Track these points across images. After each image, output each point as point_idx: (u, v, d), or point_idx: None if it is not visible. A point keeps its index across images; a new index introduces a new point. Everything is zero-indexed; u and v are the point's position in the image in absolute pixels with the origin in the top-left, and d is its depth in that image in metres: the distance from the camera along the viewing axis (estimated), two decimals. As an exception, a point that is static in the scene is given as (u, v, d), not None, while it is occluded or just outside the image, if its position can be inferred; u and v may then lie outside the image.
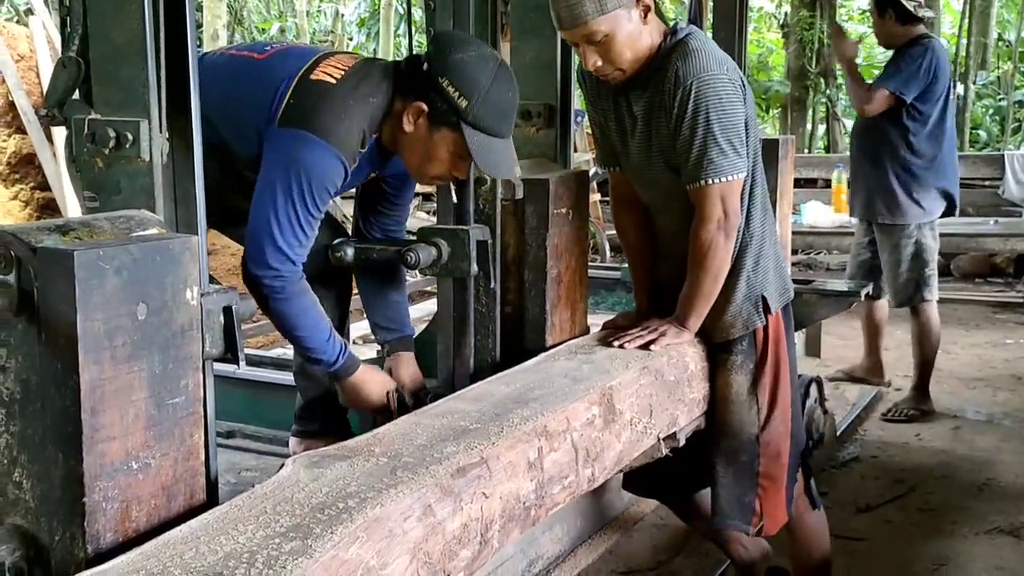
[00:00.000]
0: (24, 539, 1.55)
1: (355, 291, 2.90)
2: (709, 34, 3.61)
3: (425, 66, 2.42)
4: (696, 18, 4.25)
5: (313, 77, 2.40)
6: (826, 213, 7.47)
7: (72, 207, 6.36)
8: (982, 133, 14.51)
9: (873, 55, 17.41)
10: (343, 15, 19.75)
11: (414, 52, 2.91)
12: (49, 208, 6.77)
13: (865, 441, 4.60)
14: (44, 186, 6.76)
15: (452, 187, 2.65)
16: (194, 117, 1.75)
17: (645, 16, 2.38)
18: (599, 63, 2.40)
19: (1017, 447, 4.50)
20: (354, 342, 4.39)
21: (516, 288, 2.88)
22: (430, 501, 1.64)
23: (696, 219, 2.44)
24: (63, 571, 1.48)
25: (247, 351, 2.33)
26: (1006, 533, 3.60)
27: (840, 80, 13.67)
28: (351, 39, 20.04)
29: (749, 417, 2.58)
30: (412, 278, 7.78)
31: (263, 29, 18.11)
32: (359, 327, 4.76)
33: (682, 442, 2.53)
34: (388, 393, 2.67)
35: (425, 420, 2.00)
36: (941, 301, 5.49)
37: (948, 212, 4.99)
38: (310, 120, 2.34)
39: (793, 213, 6.01)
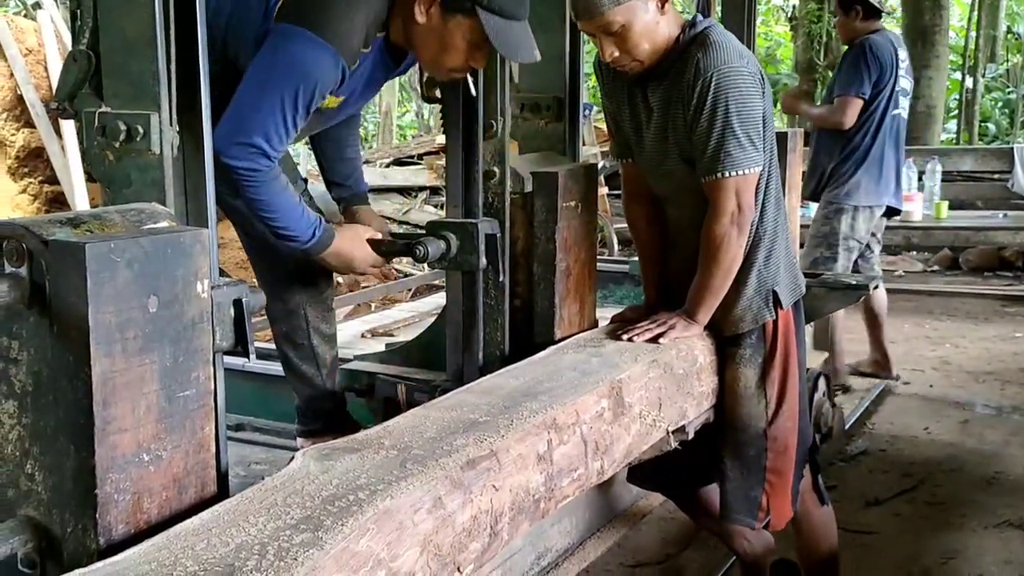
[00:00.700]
0: (36, 531, 1.56)
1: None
2: (718, 27, 3.60)
3: None
4: (705, 11, 4.24)
5: None
6: (834, 206, 7.44)
7: (81, 201, 6.37)
8: (991, 126, 14.47)
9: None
10: None
11: None
12: (57, 202, 6.78)
13: (873, 435, 4.60)
14: (52, 180, 6.77)
15: (470, 80, 2.60)
16: (204, 110, 1.75)
17: (662, 7, 2.38)
18: (616, 54, 2.39)
19: (1026, 441, 4.50)
20: (361, 335, 4.39)
21: (525, 281, 2.88)
22: (440, 493, 1.64)
23: (709, 212, 2.44)
24: (75, 563, 1.48)
25: (256, 344, 2.33)
26: (1015, 527, 3.60)
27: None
28: None
29: (757, 411, 2.57)
30: (420, 271, 7.79)
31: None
32: (364, 320, 4.77)
33: (691, 435, 2.53)
34: (372, 241, 2.61)
35: (435, 413, 2.00)
36: (950, 294, 5.51)
37: (891, 212, 5.06)
38: (308, 16, 2.27)
39: (800, 207, 6.00)
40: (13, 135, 6.76)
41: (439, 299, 5.72)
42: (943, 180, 7.84)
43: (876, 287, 5.01)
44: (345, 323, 4.59)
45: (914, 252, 8.73)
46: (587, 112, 7.75)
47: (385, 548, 1.50)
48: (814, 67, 13.08)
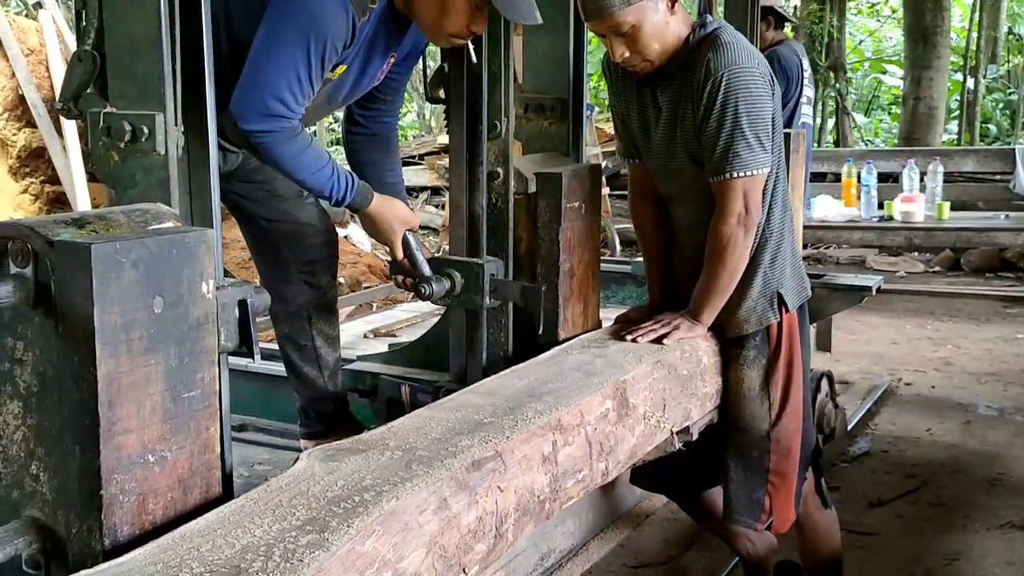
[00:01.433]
0: (41, 532, 1.56)
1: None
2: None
3: None
4: (706, 11, 4.24)
5: None
6: (836, 207, 7.44)
7: (82, 201, 6.36)
8: (992, 127, 14.46)
9: (882, 49, 17.38)
10: None
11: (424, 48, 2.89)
12: (59, 202, 6.78)
13: (876, 436, 4.60)
14: (54, 180, 6.76)
15: (470, 48, 2.58)
16: (209, 110, 1.75)
17: (672, 7, 2.37)
18: (626, 54, 2.39)
19: (1028, 442, 4.49)
20: (364, 336, 4.39)
21: (529, 282, 2.88)
22: (445, 495, 1.64)
23: (716, 212, 2.43)
24: (80, 564, 1.48)
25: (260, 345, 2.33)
26: (1018, 528, 3.59)
27: (850, 74, 13.68)
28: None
29: (760, 413, 2.57)
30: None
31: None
32: (367, 321, 4.77)
33: (695, 436, 2.53)
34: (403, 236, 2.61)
35: (439, 414, 2.00)
36: (951, 295, 5.50)
37: None
38: None
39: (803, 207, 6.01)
40: (15, 135, 6.75)
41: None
42: (945, 181, 7.82)
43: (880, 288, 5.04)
44: (347, 323, 4.59)
45: (916, 253, 8.73)
46: (588, 113, 7.75)
47: (391, 549, 1.49)
48: (816, 68, 13.07)
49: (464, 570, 1.66)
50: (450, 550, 1.62)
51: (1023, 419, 4.83)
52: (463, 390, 2.24)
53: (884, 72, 16.60)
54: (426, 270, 2.65)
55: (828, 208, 7.42)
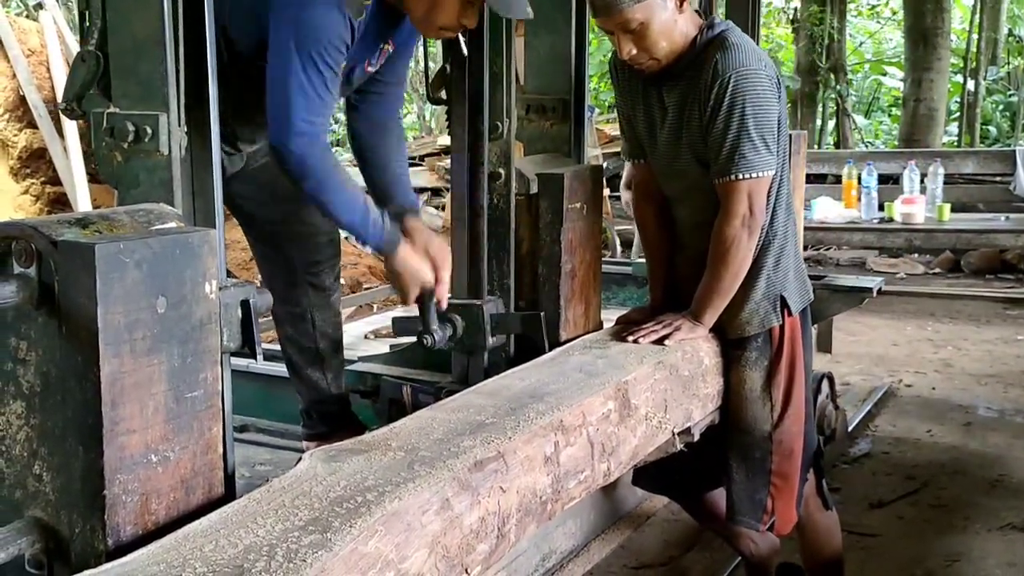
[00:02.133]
0: (44, 532, 1.56)
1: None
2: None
3: None
4: (707, 10, 4.25)
5: None
6: (836, 209, 7.44)
7: (83, 202, 6.36)
8: (992, 129, 14.45)
9: (882, 51, 17.38)
10: None
11: (426, 49, 2.89)
12: (60, 203, 6.78)
13: (876, 437, 4.59)
14: (55, 181, 6.75)
15: (462, 41, 2.57)
16: (212, 110, 1.75)
17: (680, 5, 2.37)
18: (634, 52, 2.39)
19: (1028, 443, 4.50)
20: (365, 336, 4.39)
21: (530, 283, 2.88)
22: (448, 495, 1.64)
23: (721, 214, 2.43)
24: (83, 564, 1.48)
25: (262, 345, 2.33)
26: (1018, 529, 3.59)
27: (850, 76, 13.69)
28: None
29: (763, 414, 2.57)
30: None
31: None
32: (368, 322, 4.77)
33: (696, 437, 2.53)
34: (422, 290, 2.55)
35: (441, 414, 2.00)
36: (952, 297, 5.50)
37: None
38: None
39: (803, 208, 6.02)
40: (15, 136, 6.75)
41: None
42: (945, 183, 7.82)
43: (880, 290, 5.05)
44: (348, 324, 4.58)
45: (916, 254, 8.73)
46: (589, 114, 7.74)
47: (394, 549, 1.50)
48: (816, 69, 13.07)
49: (466, 570, 1.66)
50: (452, 550, 1.62)
51: (1023, 420, 4.83)
52: (465, 391, 2.25)
53: (884, 74, 16.59)
54: (434, 325, 2.63)
55: (828, 209, 7.42)
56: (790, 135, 4.07)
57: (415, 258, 2.50)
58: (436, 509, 1.61)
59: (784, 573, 2.97)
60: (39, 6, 7.78)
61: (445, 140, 8.92)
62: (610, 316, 2.95)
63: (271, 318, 2.87)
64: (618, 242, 7.71)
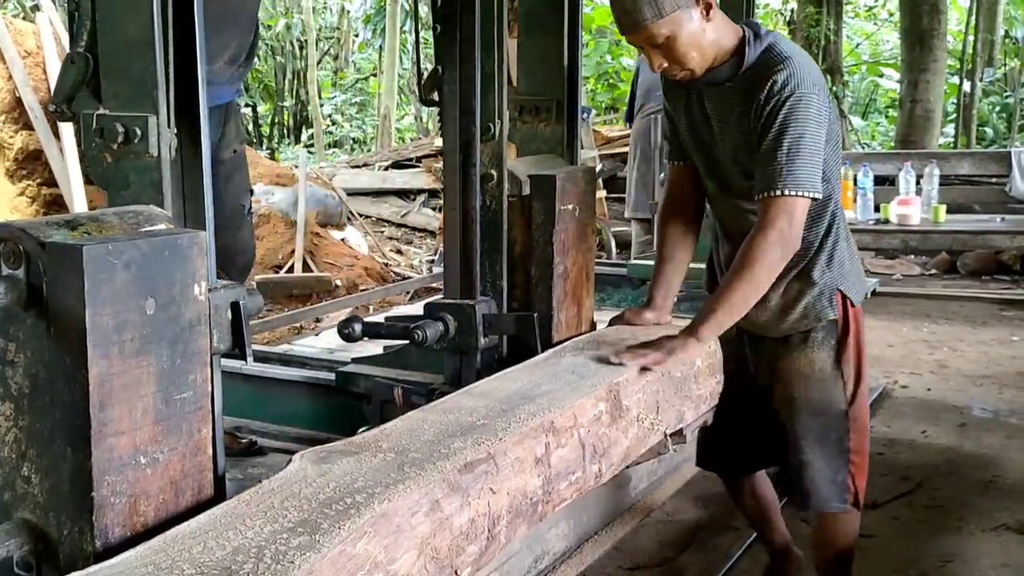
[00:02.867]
0: (33, 533, 1.56)
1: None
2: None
3: None
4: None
5: None
6: (832, 210, 7.45)
7: (79, 203, 6.36)
8: (988, 130, 14.47)
9: (879, 52, 17.40)
10: (349, 11, 19.75)
11: (420, 50, 2.90)
12: (56, 204, 6.77)
13: (872, 438, 4.57)
14: (51, 182, 6.75)
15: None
16: (202, 112, 1.75)
17: (707, 13, 2.33)
18: (665, 64, 2.36)
19: (1023, 445, 4.49)
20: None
21: (523, 284, 2.88)
22: (437, 496, 1.64)
23: (757, 224, 2.36)
24: (72, 565, 1.48)
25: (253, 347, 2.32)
26: (1013, 530, 3.59)
27: (847, 77, 13.69)
28: (356, 35, 20.03)
29: (836, 393, 2.53)
30: (417, 274, 7.78)
31: (269, 26, 18.11)
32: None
33: (689, 439, 2.52)
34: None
35: (432, 416, 2.00)
36: (947, 298, 5.49)
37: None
38: None
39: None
40: (11, 137, 6.75)
41: (437, 302, 5.70)
42: (941, 184, 7.82)
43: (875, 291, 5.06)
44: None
45: (912, 256, 8.74)
46: (585, 116, 7.75)
47: (382, 551, 1.49)
48: (813, 71, 13.07)
49: (456, 572, 1.66)
50: (442, 552, 1.62)
51: (1018, 421, 4.83)
52: (456, 392, 2.25)
53: (881, 75, 16.61)
54: None
55: (824, 211, 7.42)
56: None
57: None
58: (426, 510, 1.61)
59: (778, 556, 2.92)
60: (36, 7, 7.77)
61: (441, 142, 8.93)
62: (605, 317, 2.94)
63: (262, 320, 2.87)
64: (614, 243, 7.72)
